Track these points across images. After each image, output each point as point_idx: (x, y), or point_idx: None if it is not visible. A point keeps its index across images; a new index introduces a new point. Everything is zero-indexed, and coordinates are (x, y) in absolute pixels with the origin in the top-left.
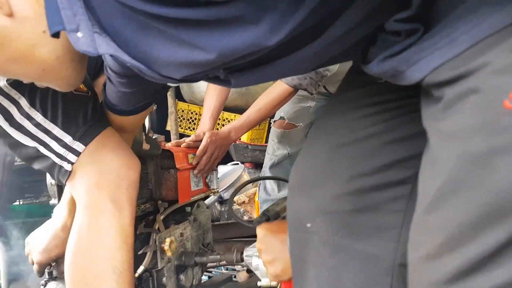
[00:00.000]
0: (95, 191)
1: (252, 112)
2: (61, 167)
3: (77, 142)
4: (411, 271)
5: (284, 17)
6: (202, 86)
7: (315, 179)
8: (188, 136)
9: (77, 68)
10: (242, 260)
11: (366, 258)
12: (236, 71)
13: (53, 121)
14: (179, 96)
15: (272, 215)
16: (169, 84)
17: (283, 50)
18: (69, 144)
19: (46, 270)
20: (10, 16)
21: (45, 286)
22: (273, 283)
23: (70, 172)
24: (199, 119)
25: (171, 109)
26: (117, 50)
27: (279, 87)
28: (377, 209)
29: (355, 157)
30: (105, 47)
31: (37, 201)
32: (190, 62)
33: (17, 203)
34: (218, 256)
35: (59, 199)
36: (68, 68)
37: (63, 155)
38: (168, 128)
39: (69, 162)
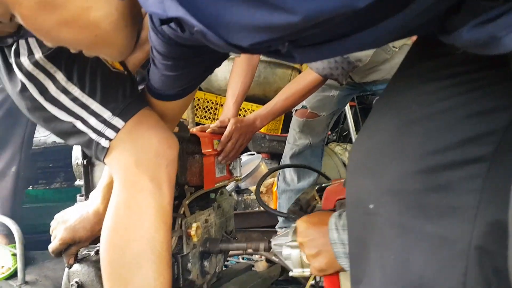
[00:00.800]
0: (134, 169)
1: (279, 100)
2: (98, 143)
3: (117, 118)
4: None
5: None
6: (219, 74)
7: (382, 157)
8: (204, 125)
9: (129, 36)
10: (270, 248)
11: (438, 240)
12: (304, 46)
13: (92, 96)
14: None
15: (304, 204)
16: (231, 54)
17: (365, 21)
18: (108, 120)
19: (64, 254)
20: None
21: (70, 267)
22: (306, 273)
23: (108, 149)
24: (215, 108)
25: None
26: (186, 13)
27: (308, 76)
28: (451, 188)
29: (428, 133)
30: (174, 10)
31: (49, 187)
32: (267, 26)
33: (30, 188)
34: (245, 244)
35: (85, 180)
36: (121, 34)
37: (101, 131)
38: (184, 116)
39: (107, 138)
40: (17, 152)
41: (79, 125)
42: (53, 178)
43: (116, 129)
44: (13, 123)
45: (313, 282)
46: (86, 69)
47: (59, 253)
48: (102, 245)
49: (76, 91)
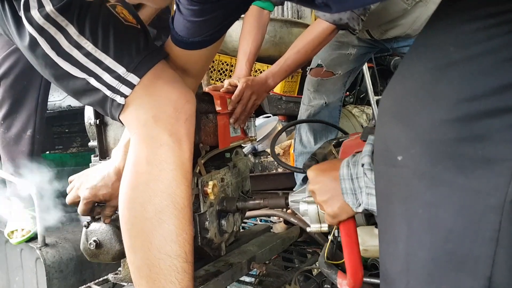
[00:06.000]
0: (152, 124)
1: (290, 54)
2: (113, 100)
3: (131, 74)
4: None
5: None
6: (233, 35)
7: (415, 104)
8: (217, 85)
9: None
10: (287, 205)
11: (471, 193)
12: None
13: (105, 51)
14: None
15: (320, 158)
16: None
17: None
18: (122, 76)
19: (102, 215)
20: None
21: (87, 227)
22: (324, 228)
23: (123, 105)
24: (230, 70)
25: None
26: None
27: (318, 25)
28: (487, 138)
29: (465, 78)
30: None
31: (65, 152)
32: None
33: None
34: (261, 201)
35: (99, 140)
36: None
37: (116, 87)
38: None
39: (122, 95)
40: (31, 116)
41: (93, 81)
42: (70, 143)
43: (131, 86)
44: (26, 86)
45: (332, 237)
46: (98, 22)
47: (87, 213)
48: (122, 202)
49: (88, 45)
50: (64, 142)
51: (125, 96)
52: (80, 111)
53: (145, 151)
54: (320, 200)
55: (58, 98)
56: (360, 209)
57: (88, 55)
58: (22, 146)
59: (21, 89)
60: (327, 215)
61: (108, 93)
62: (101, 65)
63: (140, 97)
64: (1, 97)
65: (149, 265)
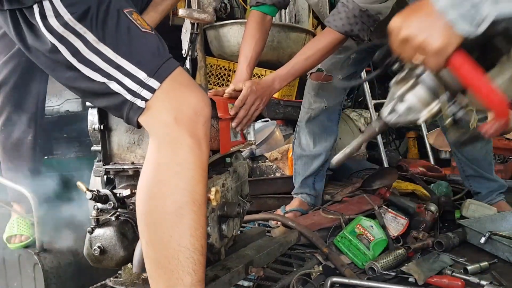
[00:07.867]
0: (174, 126)
1: (299, 60)
2: (133, 104)
3: (152, 79)
4: None
5: None
6: (231, 40)
7: None
8: (218, 89)
9: None
10: (386, 124)
11: None
12: None
13: (125, 57)
14: (207, 51)
15: None
16: None
17: None
18: (144, 80)
19: (93, 217)
20: None
21: (91, 233)
22: (435, 108)
23: (143, 109)
24: (228, 75)
25: (200, 63)
26: None
27: (328, 34)
28: None
29: None
30: None
31: (64, 157)
32: None
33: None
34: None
35: (102, 145)
36: None
37: (137, 91)
38: (197, 82)
39: (143, 99)
40: (31, 121)
41: (114, 86)
42: (68, 148)
43: (152, 90)
44: (25, 91)
45: (451, 118)
46: (117, 29)
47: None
48: (141, 197)
49: (109, 52)
50: (62, 147)
51: (146, 100)
52: (79, 116)
53: (167, 151)
54: (418, 42)
55: (56, 103)
56: (485, 25)
57: (109, 61)
58: (22, 152)
59: (20, 94)
60: (431, 58)
61: (128, 97)
62: (122, 71)
63: (161, 101)
64: (1, 103)
65: (168, 257)
